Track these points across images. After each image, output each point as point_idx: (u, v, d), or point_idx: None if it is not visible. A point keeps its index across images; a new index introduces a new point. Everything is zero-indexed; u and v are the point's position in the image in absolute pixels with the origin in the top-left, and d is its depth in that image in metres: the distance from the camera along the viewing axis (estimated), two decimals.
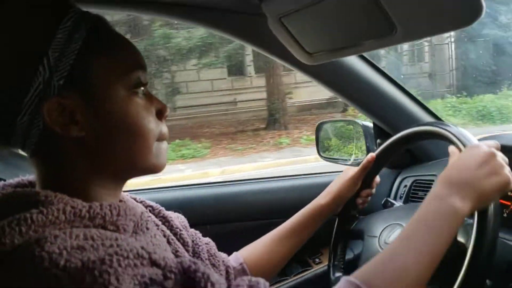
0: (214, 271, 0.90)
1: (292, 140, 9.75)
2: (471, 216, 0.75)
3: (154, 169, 0.68)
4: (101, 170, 0.65)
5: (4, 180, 0.68)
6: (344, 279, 0.65)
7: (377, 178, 1.15)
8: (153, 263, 0.53)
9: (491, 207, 0.74)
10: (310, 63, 1.01)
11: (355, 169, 1.10)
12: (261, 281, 0.60)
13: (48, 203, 0.56)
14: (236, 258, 1.01)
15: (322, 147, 1.74)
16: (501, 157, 0.76)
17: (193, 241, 0.91)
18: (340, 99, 1.31)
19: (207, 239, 0.97)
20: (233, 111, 11.77)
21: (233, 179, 1.70)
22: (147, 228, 0.73)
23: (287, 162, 7.97)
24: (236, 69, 12.21)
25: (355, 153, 1.63)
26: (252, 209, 1.52)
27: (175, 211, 0.94)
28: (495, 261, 0.74)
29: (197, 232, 0.95)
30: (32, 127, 0.59)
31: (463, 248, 0.75)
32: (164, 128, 0.70)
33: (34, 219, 0.52)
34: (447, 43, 12.74)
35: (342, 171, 1.13)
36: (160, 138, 0.69)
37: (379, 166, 1.11)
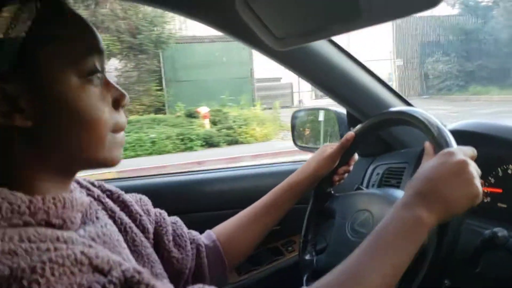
0: (180, 252, 0.89)
1: None
2: None
3: (106, 163, 0.64)
4: (48, 163, 0.60)
5: None
6: None
7: (355, 156, 1.15)
8: (95, 269, 0.50)
9: None
10: (278, 48, 0.99)
11: (333, 146, 1.09)
12: None
13: None
14: (208, 236, 0.99)
15: (297, 136, 1.74)
16: (474, 168, 0.73)
17: (157, 223, 0.88)
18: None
19: (174, 218, 0.95)
20: None
21: (201, 169, 1.68)
22: (97, 218, 0.69)
23: None
24: None
25: (329, 141, 1.62)
26: (221, 198, 1.50)
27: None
28: (454, 261, 0.75)
29: (163, 211, 0.92)
30: None
31: (423, 247, 0.74)
32: (121, 118, 0.65)
33: None
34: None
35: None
36: (116, 130, 0.65)
37: (358, 144, 1.10)
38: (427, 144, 0.85)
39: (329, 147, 1.10)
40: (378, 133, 1.09)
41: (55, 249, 0.49)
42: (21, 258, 0.46)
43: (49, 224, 0.56)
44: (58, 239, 0.51)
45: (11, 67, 0.54)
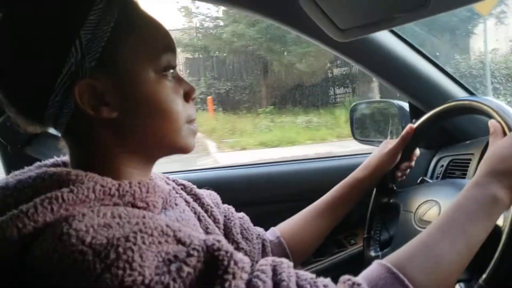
0: (247, 244, 0.92)
1: None
2: None
3: (183, 150, 0.70)
4: (132, 150, 0.66)
5: (40, 161, 0.70)
6: (377, 262, 0.65)
7: (417, 151, 1.13)
8: (178, 241, 0.54)
9: None
10: (341, 40, 1.00)
11: (394, 142, 1.08)
12: (285, 260, 0.60)
13: (79, 182, 0.58)
14: (273, 232, 1.02)
15: (356, 129, 1.72)
16: None
17: (225, 216, 0.93)
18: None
19: (241, 214, 0.99)
20: None
21: (265, 161, 1.70)
22: (176, 204, 0.75)
23: None
24: None
25: (390, 134, 1.60)
26: (285, 191, 1.53)
27: (207, 189, 0.96)
28: None
29: (230, 207, 0.97)
30: (64, 107, 0.61)
31: (497, 231, 0.73)
32: (190, 110, 0.71)
33: (65, 198, 0.54)
34: None
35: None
36: (189, 120, 0.70)
37: (419, 138, 1.09)
38: (493, 123, 0.83)
39: (390, 143, 1.09)
40: (442, 123, 1.07)
41: (143, 223, 0.54)
42: (115, 230, 0.52)
43: (134, 207, 0.61)
44: (144, 217, 0.56)
45: (98, 65, 0.60)
